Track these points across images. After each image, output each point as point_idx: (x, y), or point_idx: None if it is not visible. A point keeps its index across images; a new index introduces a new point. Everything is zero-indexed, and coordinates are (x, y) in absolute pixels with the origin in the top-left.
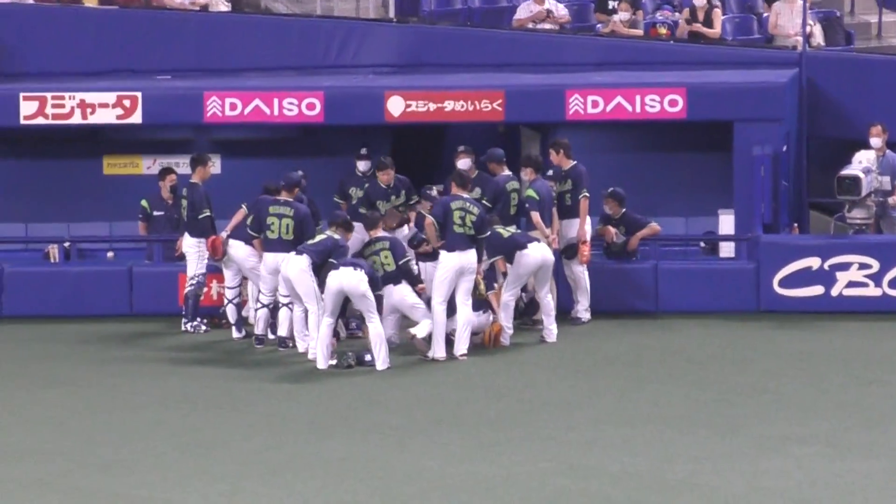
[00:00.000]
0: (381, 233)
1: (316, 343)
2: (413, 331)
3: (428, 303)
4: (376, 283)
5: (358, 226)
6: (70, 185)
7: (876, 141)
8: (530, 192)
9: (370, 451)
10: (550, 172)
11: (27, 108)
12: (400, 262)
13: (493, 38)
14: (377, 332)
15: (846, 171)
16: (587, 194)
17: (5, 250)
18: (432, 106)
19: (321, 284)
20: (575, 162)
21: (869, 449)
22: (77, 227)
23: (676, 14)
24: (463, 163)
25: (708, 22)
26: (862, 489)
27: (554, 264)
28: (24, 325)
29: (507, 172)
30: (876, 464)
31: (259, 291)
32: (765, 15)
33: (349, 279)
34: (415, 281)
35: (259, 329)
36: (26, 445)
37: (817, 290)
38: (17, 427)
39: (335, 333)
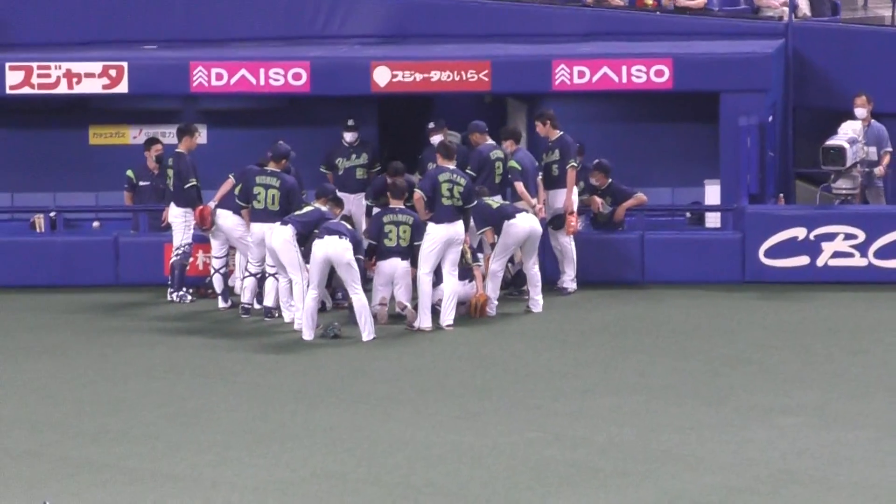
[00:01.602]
0: (403, 206)
1: (302, 313)
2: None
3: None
4: (359, 247)
5: (344, 196)
6: (56, 155)
7: (860, 111)
8: (513, 163)
9: (356, 420)
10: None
11: (13, 77)
12: (415, 244)
13: (480, 9)
14: (361, 304)
15: (831, 142)
16: (574, 164)
17: None
18: (418, 76)
19: (306, 255)
20: (562, 132)
21: (854, 419)
22: (63, 197)
23: None
24: (434, 139)
25: None
26: (848, 459)
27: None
28: (10, 294)
29: (490, 142)
30: (861, 434)
31: (247, 261)
32: None
33: (335, 247)
34: (415, 263)
35: (245, 298)
36: (15, 416)
37: (803, 260)
38: (5, 397)
39: (321, 304)
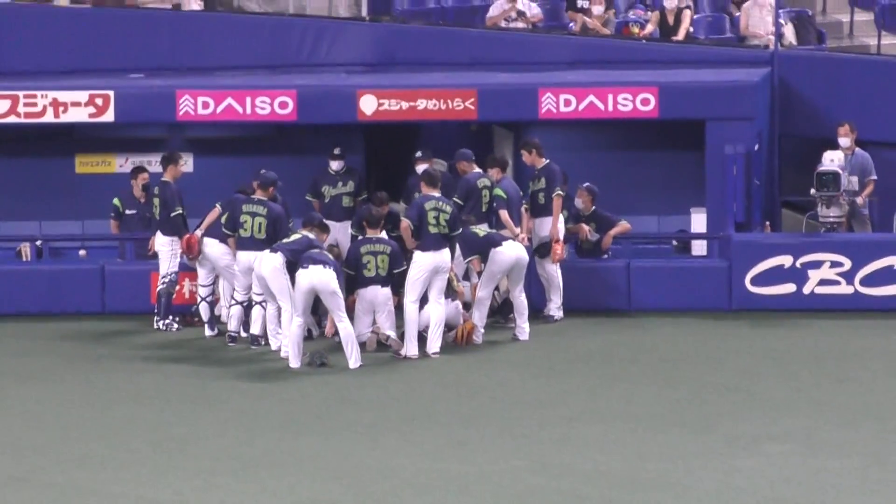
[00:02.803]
0: (382, 234)
1: (288, 342)
2: (386, 331)
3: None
4: (339, 275)
5: (330, 224)
6: (42, 183)
7: (844, 140)
8: (498, 191)
9: (343, 448)
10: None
11: None
12: (395, 272)
13: (466, 37)
14: (347, 332)
15: (824, 168)
16: (560, 192)
17: None
18: (405, 104)
19: (294, 283)
20: (548, 161)
21: (842, 447)
22: (49, 226)
23: (649, 13)
24: (420, 169)
25: (676, 25)
26: (835, 487)
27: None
28: None
29: (477, 170)
30: (848, 462)
31: (233, 289)
32: (736, 15)
33: (319, 277)
34: (398, 292)
35: (232, 326)
36: (0, 442)
37: (789, 288)
38: None
39: (307, 332)
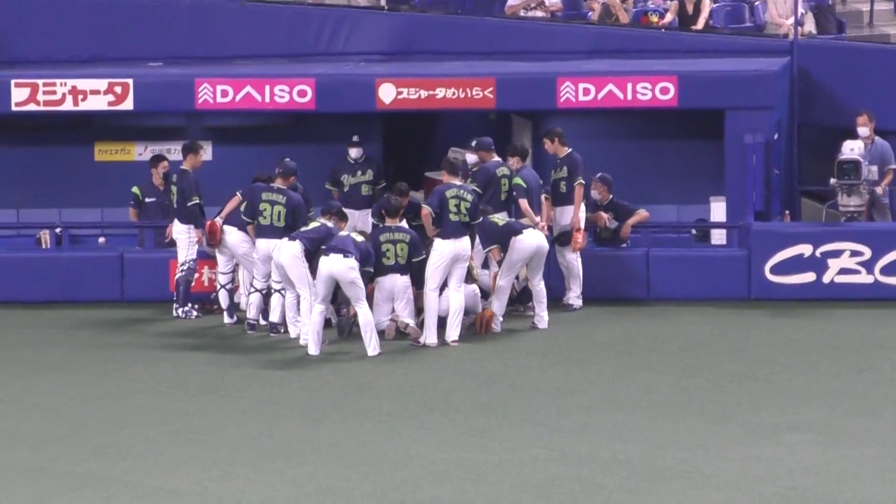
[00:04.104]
0: (402, 223)
1: (308, 329)
2: (405, 319)
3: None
4: (369, 259)
5: (350, 212)
6: (62, 171)
7: (863, 130)
8: (518, 180)
9: (362, 436)
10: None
11: (18, 94)
12: (414, 261)
13: (485, 26)
14: (367, 319)
15: (845, 156)
16: (582, 181)
17: None
18: (423, 93)
19: (313, 271)
20: (570, 149)
21: (861, 436)
22: (69, 213)
23: (668, 2)
24: (470, 158)
25: (695, 14)
26: (854, 476)
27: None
28: (15, 310)
29: (496, 159)
30: (868, 451)
31: (252, 277)
32: (756, 3)
33: (338, 266)
34: (420, 283)
35: (251, 314)
36: (19, 431)
37: (809, 277)
38: (10, 413)
39: (326, 319)
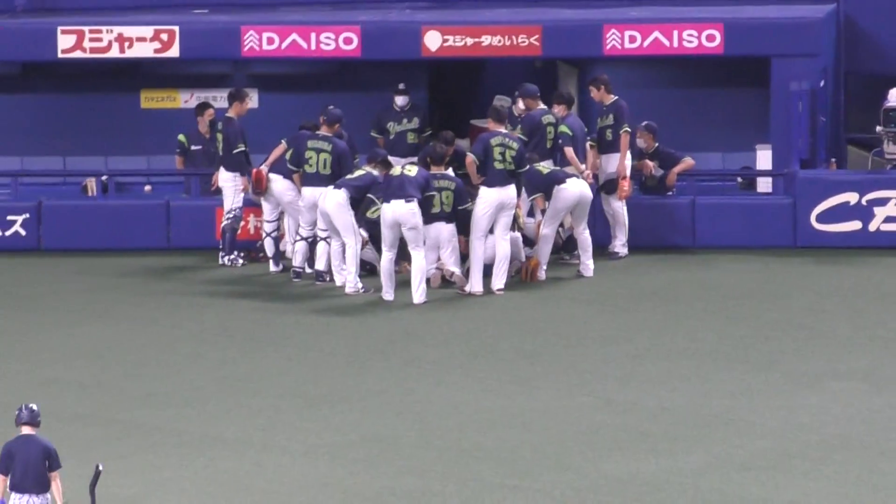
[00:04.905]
0: (448, 171)
1: (353, 275)
2: (450, 267)
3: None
4: (428, 186)
5: (395, 160)
6: (108, 118)
7: None
8: (563, 128)
9: (407, 384)
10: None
11: (65, 41)
12: (459, 208)
13: None
14: (419, 266)
15: (892, 104)
16: (628, 129)
17: (43, 184)
18: (469, 41)
19: (359, 219)
20: (616, 97)
21: None
22: (115, 161)
23: None
24: (518, 106)
25: None
26: None
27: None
28: (62, 258)
29: (541, 107)
30: None
31: (297, 225)
32: None
33: (401, 210)
34: (466, 230)
35: (297, 262)
36: (64, 379)
37: (855, 225)
38: (56, 360)
39: (371, 267)
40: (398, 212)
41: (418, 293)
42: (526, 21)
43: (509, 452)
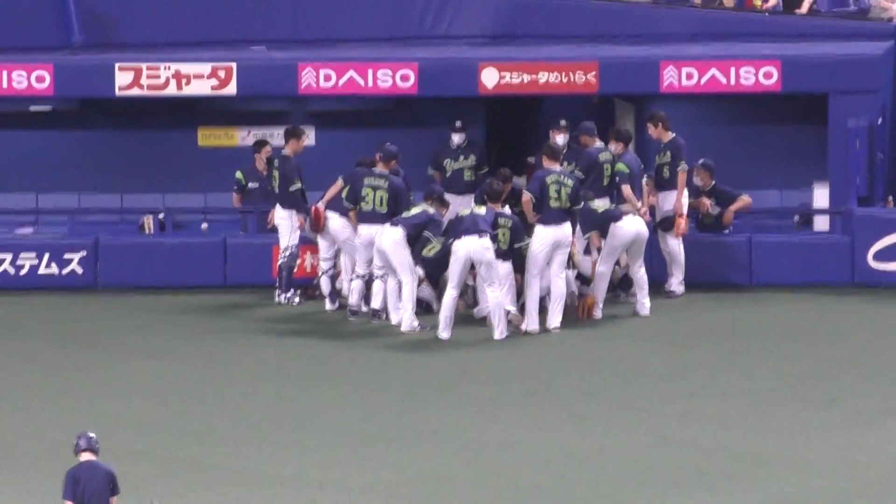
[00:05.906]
0: (504, 208)
1: (409, 312)
2: (507, 305)
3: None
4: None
5: (451, 198)
6: (165, 156)
7: None
8: (621, 166)
9: (463, 422)
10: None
11: (122, 78)
12: (515, 246)
13: (588, 9)
14: (497, 302)
15: None
16: (685, 167)
17: (101, 221)
18: (526, 77)
19: (415, 257)
20: (674, 134)
21: None
22: (172, 199)
23: None
24: (560, 138)
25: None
26: None
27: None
28: (119, 295)
29: (598, 144)
30: None
31: (354, 263)
32: None
33: (475, 246)
34: (521, 267)
35: (353, 300)
36: (122, 415)
37: None
38: (113, 397)
39: (428, 306)
40: (472, 247)
41: (498, 330)
42: (583, 58)
43: (566, 491)
